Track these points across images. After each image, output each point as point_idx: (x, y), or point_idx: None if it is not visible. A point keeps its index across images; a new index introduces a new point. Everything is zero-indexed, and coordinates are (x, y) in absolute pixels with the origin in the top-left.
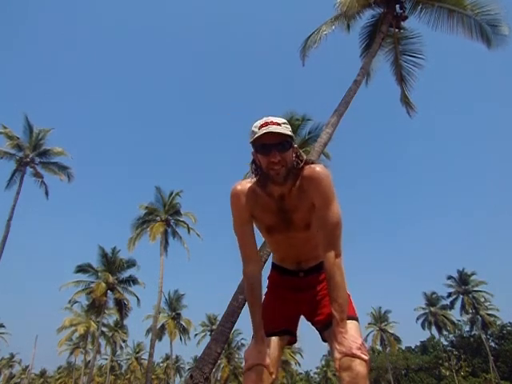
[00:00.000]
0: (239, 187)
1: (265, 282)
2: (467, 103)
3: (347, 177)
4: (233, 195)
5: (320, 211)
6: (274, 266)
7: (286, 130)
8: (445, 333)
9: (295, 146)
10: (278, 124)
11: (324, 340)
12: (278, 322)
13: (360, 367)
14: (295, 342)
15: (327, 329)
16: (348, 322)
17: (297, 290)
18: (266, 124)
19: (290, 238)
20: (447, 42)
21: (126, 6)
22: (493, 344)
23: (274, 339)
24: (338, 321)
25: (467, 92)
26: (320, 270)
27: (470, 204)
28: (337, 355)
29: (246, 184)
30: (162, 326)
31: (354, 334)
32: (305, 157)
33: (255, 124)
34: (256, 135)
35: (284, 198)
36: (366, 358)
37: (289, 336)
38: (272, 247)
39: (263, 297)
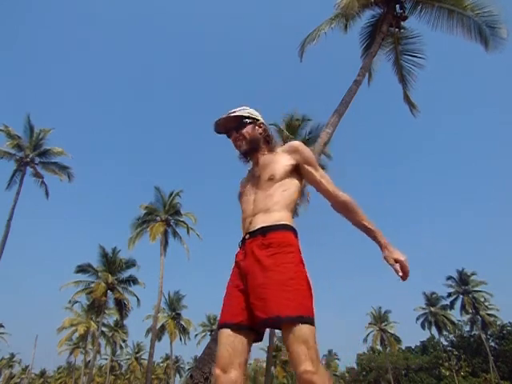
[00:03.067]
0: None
1: None
2: (469, 103)
3: (347, 176)
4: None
5: (311, 171)
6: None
7: (240, 113)
8: (445, 333)
9: (261, 123)
10: (231, 113)
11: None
12: (233, 311)
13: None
14: (260, 340)
15: (260, 328)
16: (302, 326)
17: (243, 259)
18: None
19: (252, 194)
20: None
21: (126, 7)
22: (493, 344)
23: (236, 334)
24: (383, 246)
25: (467, 94)
26: (266, 233)
27: (470, 204)
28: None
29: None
30: (162, 326)
31: (303, 350)
32: (271, 132)
33: None
34: (215, 130)
35: (258, 162)
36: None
37: (248, 331)
38: (241, 213)
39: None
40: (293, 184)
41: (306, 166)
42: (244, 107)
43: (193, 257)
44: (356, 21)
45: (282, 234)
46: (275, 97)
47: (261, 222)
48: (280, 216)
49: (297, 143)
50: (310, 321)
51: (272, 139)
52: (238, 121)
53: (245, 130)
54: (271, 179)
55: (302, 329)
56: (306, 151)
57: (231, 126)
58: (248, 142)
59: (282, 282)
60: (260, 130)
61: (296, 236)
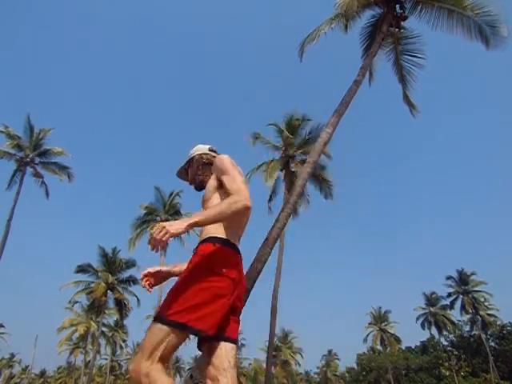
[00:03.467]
0: None
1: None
2: (469, 103)
3: (347, 177)
4: None
5: (223, 182)
6: None
7: (187, 158)
8: (445, 333)
9: (197, 155)
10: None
11: None
12: None
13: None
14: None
15: None
16: (154, 325)
17: None
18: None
19: None
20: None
21: (126, 7)
22: (493, 344)
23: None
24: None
25: (467, 94)
26: (194, 251)
27: (470, 204)
28: None
29: None
30: None
31: (140, 352)
32: (206, 156)
33: None
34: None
35: None
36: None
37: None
38: None
39: None
40: (217, 199)
41: (220, 178)
42: (189, 155)
43: None
44: (356, 21)
45: (203, 246)
46: (275, 97)
47: (198, 242)
48: (209, 230)
49: (216, 158)
50: (160, 319)
51: (202, 165)
52: (184, 171)
53: (190, 175)
54: (204, 201)
55: (150, 328)
56: (217, 163)
57: (187, 176)
58: (194, 183)
59: (176, 286)
60: (197, 164)
61: (217, 245)
